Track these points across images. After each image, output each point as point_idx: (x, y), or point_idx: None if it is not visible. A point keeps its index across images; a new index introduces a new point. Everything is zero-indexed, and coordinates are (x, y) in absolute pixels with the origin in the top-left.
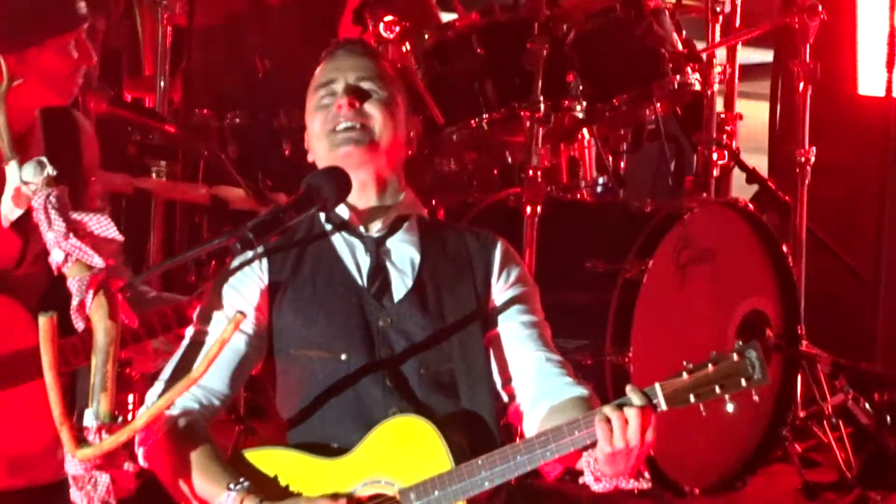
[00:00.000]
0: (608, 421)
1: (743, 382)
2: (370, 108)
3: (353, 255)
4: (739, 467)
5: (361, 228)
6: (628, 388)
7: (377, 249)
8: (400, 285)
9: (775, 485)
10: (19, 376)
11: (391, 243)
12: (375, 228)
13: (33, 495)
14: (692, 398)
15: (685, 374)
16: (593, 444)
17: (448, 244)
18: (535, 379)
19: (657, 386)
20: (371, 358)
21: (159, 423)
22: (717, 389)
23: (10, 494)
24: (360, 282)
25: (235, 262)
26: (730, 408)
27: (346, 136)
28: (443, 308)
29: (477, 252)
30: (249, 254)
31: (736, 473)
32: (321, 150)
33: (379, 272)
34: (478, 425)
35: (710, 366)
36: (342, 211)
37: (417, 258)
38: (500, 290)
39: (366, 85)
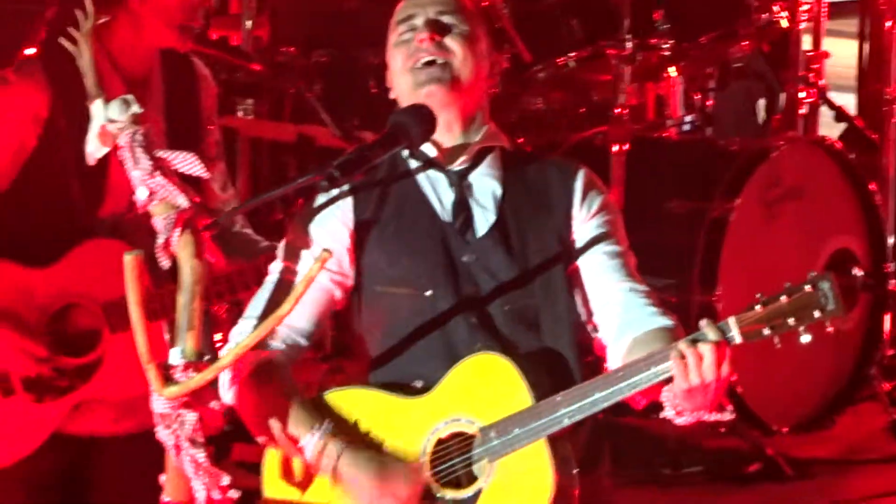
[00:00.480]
0: (683, 356)
1: (816, 314)
2: (451, 42)
3: (435, 190)
4: (827, 406)
5: (444, 161)
6: (702, 323)
7: (460, 184)
8: (482, 220)
9: (863, 423)
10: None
11: (473, 177)
12: (458, 162)
13: (145, 439)
14: (766, 331)
15: (758, 307)
16: (670, 379)
17: (530, 176)
18: (619, 310)
19: (731, 319)
20: (456, 294)
21: (244, 363)
22: (791, 321)
23: (126, 438)
24: (443, 217)
25: (320, 200)
26: (804, 339)
27: (428, 73)
28: (525, 242)
29: (559, 182)
30: (334, 191)
31: (824, 412)
32: (404, 86)
33: (462, 207)
34: (559, 361)
35: (783, 297)
36: (426, 147)
37: (499, 192)
38: (583, 220)
39: (446, 19)
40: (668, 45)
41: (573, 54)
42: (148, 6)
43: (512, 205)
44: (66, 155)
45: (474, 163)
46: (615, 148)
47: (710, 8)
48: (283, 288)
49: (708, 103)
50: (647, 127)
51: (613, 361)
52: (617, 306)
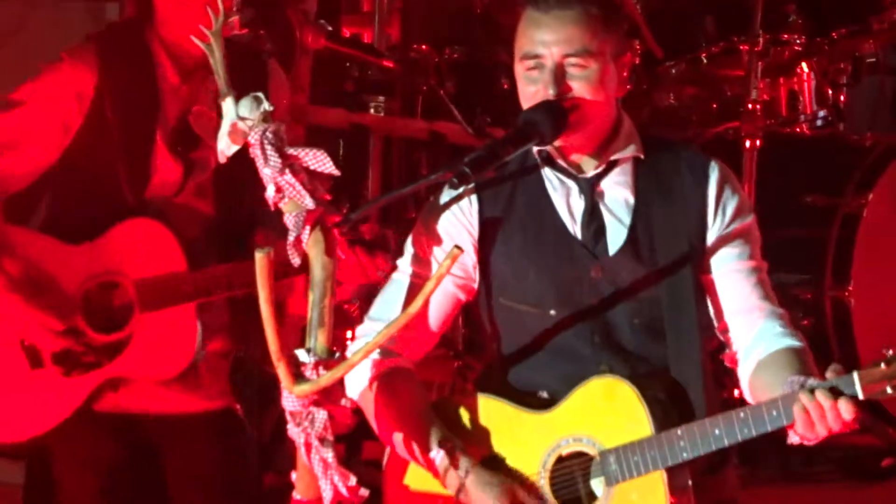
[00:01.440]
0: (806, 410)
1: None
2: (579, 89)
3: (566, 197)
4: None
5: (574, 169)
6: (829, 373)
7: (591, 192)
8: (614, 233)
9: None
10: (160, 301)
11: (605, 184)
12: (589, 168)
13: (172, 422)
14: (889, 389)
15: (883, 365)
16: (792, 424)
17: (663, 179)
18: (749, 328)
19: (855, 375)
20: (581, 312)
21: (372, 365)
22: None
23: (198, 417)
24: (572, 229)
25: (443, 198)
26: None
27: None
28: (657, 254)
29: (692, 186)
30: (459, 191)
31: None
32: None
33: (593, 218)
34: (683, 376)
35: None
36: (555, 152)
37: (632, 200)
38: (718, 228)
39: (572, 62)
40: (800, 40)
41: (705, 50)
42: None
43: (645, 214)
44: (112, 137)
45: (607, 170)
46: (747, 143)
47: (842, 2)
48: (409, 287)
49: (841, 98)
50: (780, 122)
51: (742, 378)
52: (747, 324)
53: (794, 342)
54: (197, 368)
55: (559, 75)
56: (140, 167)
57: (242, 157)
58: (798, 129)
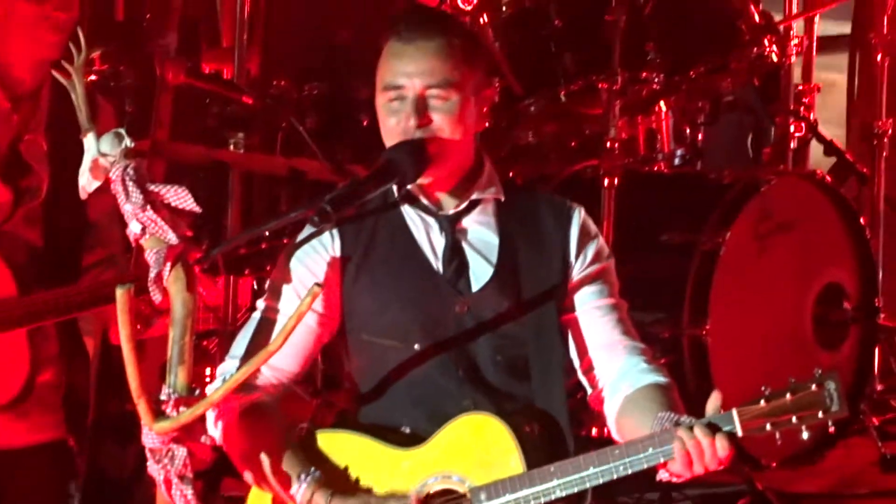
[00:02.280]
0: (685, 447)
1: (820, 414)
2: (440, 121)
3: (427, 234)
4: (817, 440)
5: (435, 206)
6: (709, 409)
7: (452, 229)
8: (477, 270)
9: (853, 457)
10: None
11: (467, 222)
12: (451, 205)
13: (48, 451)
14: (768, 426)
15: (762, 402)
16: (668, 461)
17: (526, 221)
18: (612, 365)
19: (734, 412)
20: (445, 347)
21: (233, 401)
22: (794, 419)
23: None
24: (434, 265)
25: (303, 235)
26: (805, 436)
27: None
28: (520, 292)
29: (554, 228)
30: (320, 228)
31: (814, 447)
32: (391, 142)
33: (455, 255)
34: (550, 412)
35: (787, 394)
36: (416, 189)
37: (495, 240)
38: (579, 269)
39: (433, 93)
40: (658, 79)
41: (564, 87)
42: (10, 19)
43: (508, 253)
44: None
45: (468, 208)
46: (606, 181)
47: (701, 41)
48: (268, 324)
49: (699, 136)
50: (638, 160)
51: (609, 416)
52: (611, 362)
53: (659, 378)
54: (27, 399)
55: (420, 106)
56: None
57: (69, 182)
58: (656, 168)
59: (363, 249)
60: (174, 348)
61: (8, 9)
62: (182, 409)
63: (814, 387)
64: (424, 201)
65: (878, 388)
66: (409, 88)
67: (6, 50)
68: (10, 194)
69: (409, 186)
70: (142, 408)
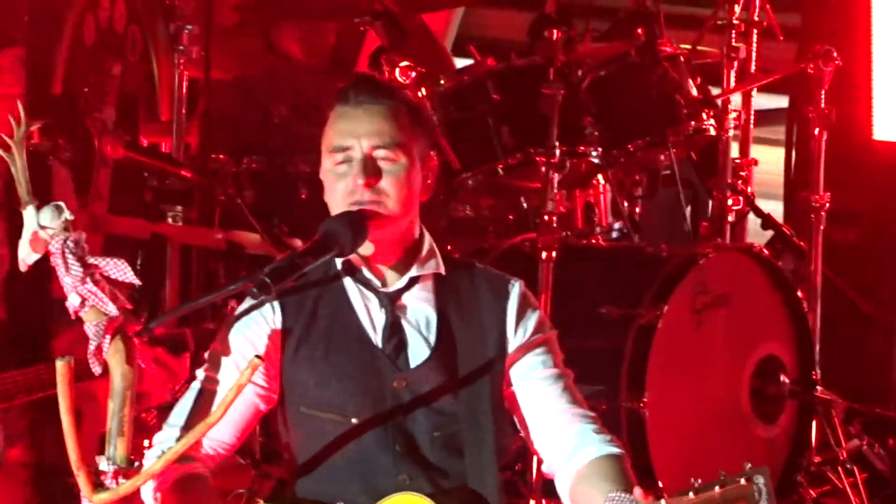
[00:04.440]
0: None
1: None
2: (386, 185)
3: (367, 310)
4: None
5: (377, 281)
6: (636, 496)
7: (392, 306)
8: (415, 347)
9: None
10: None
11: (407, 299)
12: (392, 281)
13: None
14: None
15: (692, 494)
16: None
17: (464, 297)
18: (563, 435)
19: (663, 503)
20: (382, 421)
21: (168, 472)
22: None
23: None
24: (374, 341)
25: (244, 307)
26: None
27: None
28: (457, 369)
29: (493, 303)
30: (260, 300)
31: None
32: (337, 210)
33: (395, 331)
34: (481, 493)
35: (717, 487)
36: (358, 262)
37: (434, 317)
38: (518, 343)
39: (381, 154)
40: (596, 153)
41: (502, 161)
42: None
43: (446, 330)
44: None
45: (408, 285)
46: (543, 255)
47: (639, 115)
48: (207, 395)
49: (636, 210)
50: (576, 234)
51: (563, 488)
52: (561, 434)
53: (611, 449)
54: None
55: (369, 165)
56: None
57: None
58: (594, 241)
59: (304, 322)
60: (113, 420)
61: None
62: (121, 480)
63: (743, 481)
64: (367, 275)
65: (816, 460)
66: (356, 149)
67: None
68: None
69: (350, 258)
70: (81, 479)
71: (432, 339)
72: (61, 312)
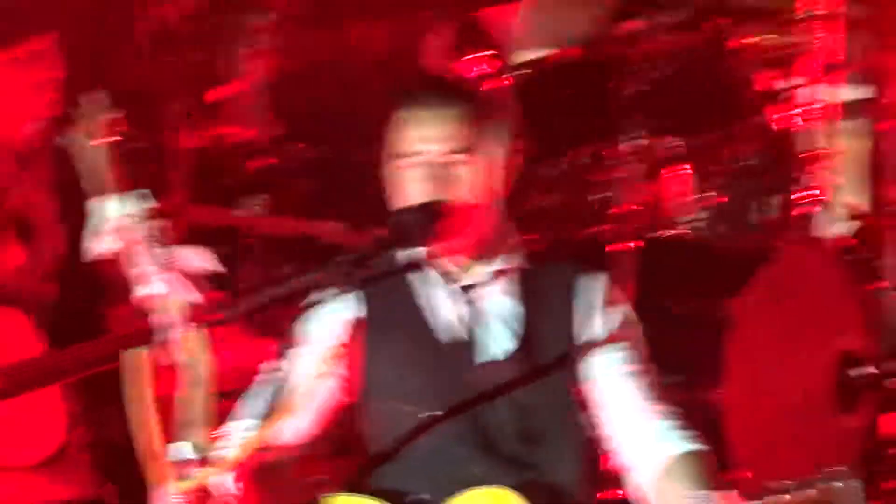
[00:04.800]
0: None
1: None
2: (461, 188)
3: (446, 302)
4: None
5: (457, 274)
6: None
7: (471, 298)
8: (495, 339)
9: None
10: (20, 386)
11: (486, 291)
12: (471, 273)
13: None
14: None
15: (787, 495)
16: None
17: (544, 290)
18: (643, 431)
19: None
20: (461, 413)
21: (249, 461)
22: None
23: None
24: (452, 332)
25: (321, 296)
26: None
27: None
28: (536, 361)
29: (574, 296)
30: (338, 292)
31: None
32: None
33: (473, 324)
34: (562, 483)
35: (812, 489)
36: (438, 255)
37: (513, 310)
38: (599, 336)
39: (453, 159)
40: (675, 144)
41: (578, 153)
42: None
43: (525, 322)
44: None
45: (488, 278)
46: (622, 246)
47: (709, 108)
48: (284, 384)
49: (714, 202)
50: (649, 227)
51: (641, 483)
52: (640, 430)
53: (691, 446)
54: (63, 456)
55: (441, 172)
56: None
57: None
58: (673, 233)
59: (384, 314)
60: (194, 408)
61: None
62: (201, 469)
63: (839, 483)
64: (446, 267)
65: (892, 452)
66: (428, 155)
67: (5, 112)
68: (26, 255)
69: (430, 251)
70: (161, 467)
71: (511, 331)
72: (115, 292)
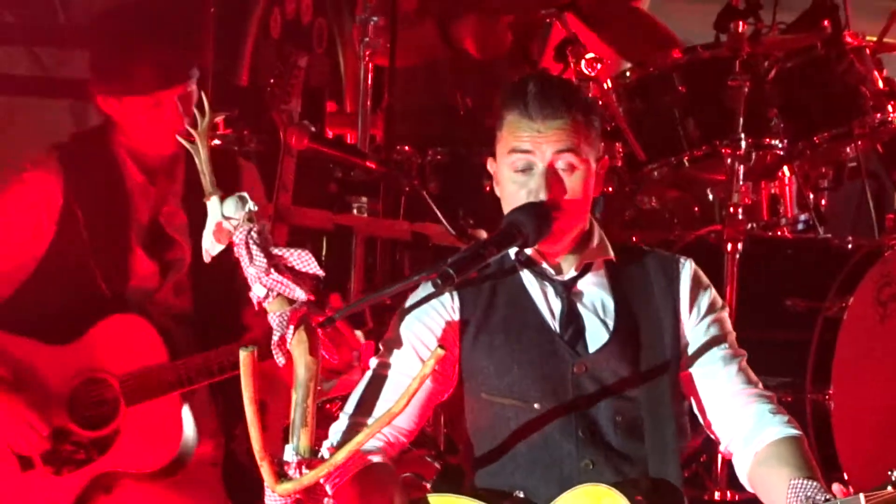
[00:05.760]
0: None
1: None
2: (569, 192)
3: (545, 297)
4: None
5: (552, 270)
6: (836, 491)
7: (568, 293)
8: (594, 332)
9: None
10: (144, 393)
11: (582, 285)
12: (566, 269)
13: None
14: None
15: (890, 487)
16: None
17: (637, 280)
18: (740, 415)
19: (861, 497)
20: (564, 407)
21: (352, 462)
22: None
23: None
24: (553, 327)
25: (420, 295)
26: None
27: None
28: (636, 352)
29: (665, 284)
30: (436, 290)
31: None
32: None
33: (572, 317)
34: (665, 477)
35: None
36: (533, 253)
37: (610, 303)
38: (693, 324)
39: (562, 165)
40: (782, 144)
41: (687, 153)
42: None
43: (623, 314)
44: (83, 238)
45: (582, 272)
46: (729, 247)
47: (824, 107)
48: (384, 383)
49: (822, 202)
50: (762, 226)
51: (742, 470)
52: (739, 415)
53: (790, 430)
54: (186, 470)
55: (552, 177)
56: (116, 267)
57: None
58: (780, 233)
59: (482, 311)
60: (297, 411)
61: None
62: (305, 470)
63: None
64: (541, 265)
65: None
66: (539, 159)
67: (135, 126)
68: (156, 266)
69: (526, 250)
70: (265, 470)
71: (610, 323)
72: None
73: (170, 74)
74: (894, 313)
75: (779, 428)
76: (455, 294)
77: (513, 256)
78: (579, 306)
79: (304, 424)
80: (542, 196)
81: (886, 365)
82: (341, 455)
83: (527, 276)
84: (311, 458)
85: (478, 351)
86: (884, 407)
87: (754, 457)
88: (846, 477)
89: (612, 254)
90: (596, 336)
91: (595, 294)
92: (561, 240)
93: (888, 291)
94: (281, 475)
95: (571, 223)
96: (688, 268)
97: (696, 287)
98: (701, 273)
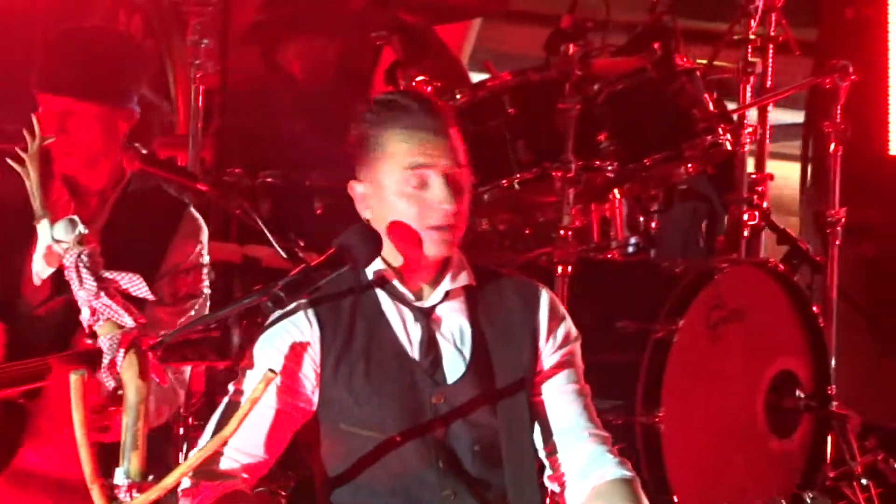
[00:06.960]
0: None
1: None
2: (462, 205)
3: (404, 325)
4: None
5: (411, 295)
6: None
7: (427, 320)
8: (451, 361)
9: None
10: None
11: (441, 311)
12: (426, 294)
13: None
14: None
15: None
16: None
17: (495, 307)
18: (577, 452)
19: None
20: (424, 437)
21: (209, 492)
22: None
23: None
24: (412, 355)
25: (273, 318)
26: None
27: (440, 238)
28: (493, 382)
29: (523, 312)
30: (295, 316)
31: None
32: (406, 230)
33: (431, 346)
34: (522, 500)
35: None
36: (392, 276)
37: (468, 330)
38: (549, 352)
39: (457, 176)
40: (612, 167)
41: (518, 176)
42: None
43: (480, 342)
44: None
45: (442, 298)
46: (560, 269)
47: (655, 129)
48: (234, 408)
49: (652, 225)
50: (592, 248)
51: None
52: (577, 449)
53: (625, 472)
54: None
55: (452, 188)
56: (8, 284)
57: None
58: (610, 256)
59: (342, 337)
60: (128, 434)
61: None
62: (135, 494)
63: None
64: (400, 289)
65: (831, 475)
66: (433, 171)
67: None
68: (50, 289)
69: (385, 272)
70: (95, 493)
71: (467, 352)
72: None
73: None
74: (724, 336)
75: (615, 469)
76: (313, 317)
77: (371, 279)
78: (438, 334)
79: (135, 448)
80: (449, 206)
81: (717, 387)
82: (170, 479)
83: (385, 301)
84: (142, 482)
85: (337, 380)
86: (714, 429)
87: (591, 491)
88: (676, 500)
89: (472, 278)
90: (453, 366)
91: (454, 321)
92: (419, 259)
93: (718, 314)
94: (112, 499)
95: (461, 236)
96: (547, 297)
97: (554, 317)
98: (558, 302)
